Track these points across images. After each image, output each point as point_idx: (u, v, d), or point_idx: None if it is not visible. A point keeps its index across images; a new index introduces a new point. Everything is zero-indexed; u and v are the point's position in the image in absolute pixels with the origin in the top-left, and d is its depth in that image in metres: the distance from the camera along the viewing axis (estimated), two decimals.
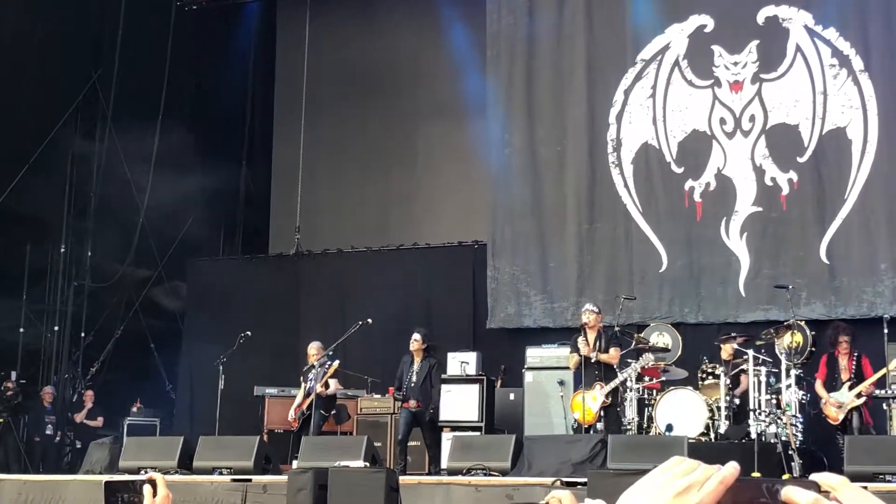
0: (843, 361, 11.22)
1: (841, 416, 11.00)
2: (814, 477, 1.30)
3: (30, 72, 15.67)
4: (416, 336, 12.08)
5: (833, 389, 11.17)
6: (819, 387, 11.29)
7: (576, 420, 11.30)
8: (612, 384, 11.06)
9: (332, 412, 12.53)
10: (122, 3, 15.93)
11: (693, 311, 13.50)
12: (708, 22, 13.84)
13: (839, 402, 11.02)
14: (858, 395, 10.96)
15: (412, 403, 11.85)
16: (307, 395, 12.14)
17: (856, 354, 11.19)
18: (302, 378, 12.47)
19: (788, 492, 1.29)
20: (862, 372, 11.10)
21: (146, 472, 3.48)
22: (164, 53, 16.43)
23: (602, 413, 11.03)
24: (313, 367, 12.20)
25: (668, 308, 13.59)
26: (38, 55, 15.74)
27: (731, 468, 1.32)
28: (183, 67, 16.95)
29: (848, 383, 11.08)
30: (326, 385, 12.16)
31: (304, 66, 16.86)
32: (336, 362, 12.16)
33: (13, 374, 15.81)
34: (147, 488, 3.04)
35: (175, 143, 16.75)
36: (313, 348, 12.56)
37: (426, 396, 11.94)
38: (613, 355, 11.25)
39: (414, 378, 11.90)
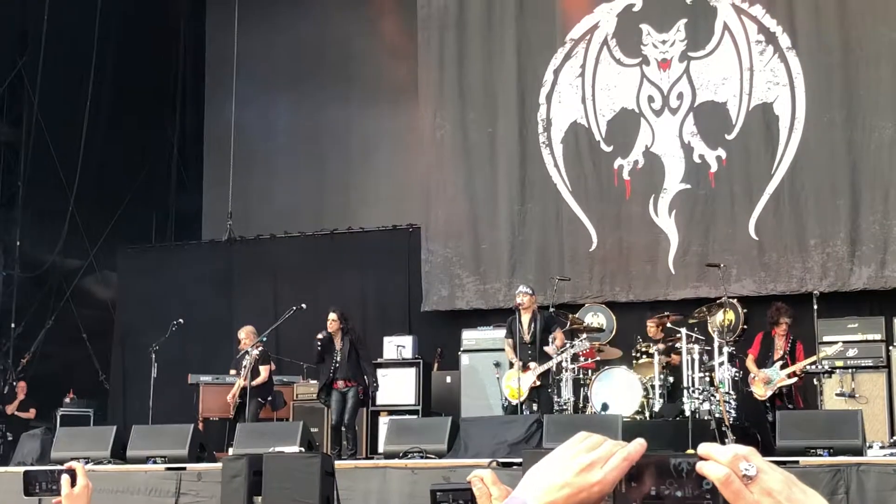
0: (778, 342, 11.31)
1: (769, 393, 11.08)
2: (701, 449, 1.29)
3: None
4: (333, 315, 11.80)
5: (764, 367, 11.27)
6: (750, 362, 11.37)
7: (505, 398, 11.35)
8: (545, 366, 11.10)
9: (269, 399, 12.45)
10: None
11: (624, 290, 13.58)
12: (636, 1, 13.90)
13: (768, 378, 11.11)
14: (790, 376, 11.05)
15: (340, 384, 11.65)
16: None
17: (791, 338, 11.28)
18: (235, 366, 12.37)
19: (702, 467, 1.28)
20: (795, 355, 11.20)
21: (85, 463, 3.43)
22: (91, 39, 16.16)
23: (535, 395, 11.07)
24: (246, 353, 12.10)
25: (598, 287, 13.66)
26: None
27: (637, 445, 1.32)
28: (110, 51, 16.69)
29: (780, 362, 11.17)
30: (257, 373, 12.06)
31: (235, 48, 16.67)
32: (256, 351, 12.00)
33: None
34: (65, 478, 3.00)
35: (104, 129, 16.53)
36: (244, 332, 12.46)
37: (355, 373, 11.69)
38: (559, 344, 11.28)
39: (338, 357, 11.70)
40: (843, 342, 11.37)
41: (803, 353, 11.19)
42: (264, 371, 12.20)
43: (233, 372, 12.48)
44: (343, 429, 11.59)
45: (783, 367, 11.11)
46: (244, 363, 12.08)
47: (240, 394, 12.05)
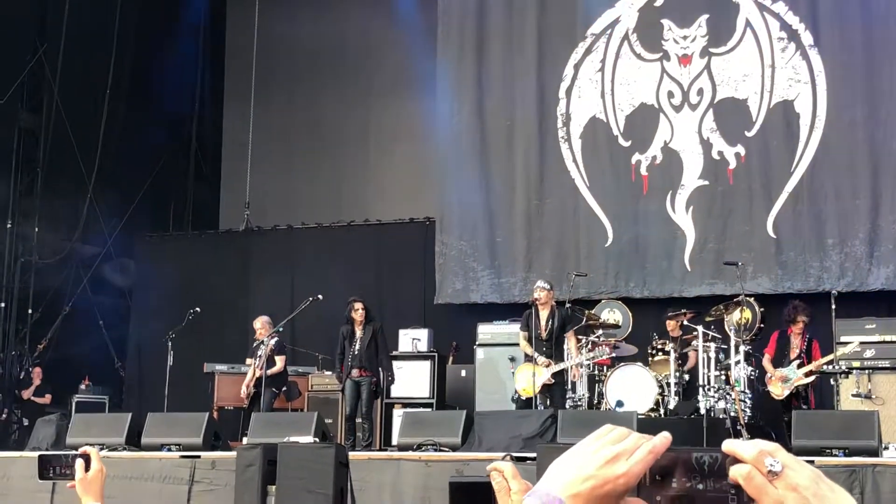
0: (794, 340, 11.23)
1: (786, 393, 11.02)
2: (726, 445, 1.28)
3: None
4: (359, 304, 11.80)
5: (780, 366, 11.23)
6: (766, 362, 11.32)
7: (516, 391, 11.32)
8: (560, 366, 11.06)
9: (283, 389, 12.47)
10: None
11: (639, 286, 13.55)
12: None
13: (785, 377, 11.06)
14: (807, 374, 10.98)
15: (355, 373, 11.61)
16: (256, 371, 12.07)
17: (808, 336, 11.22)
18: (251, 355, 12.39)
19: (733, 455, 1.27)
20: (811, 354, 11.14)
21: (99, 449, 3.44)
22: (112, 27, 16.19)
23: (547, 391, 11.04)
24: (262, 342, 12.12)
25: (613, 282, 13.63)
26: None
27: (662, 438, 1.31)
28: (131, 42, 16.73)
29: (796, 361, 11.11)
30: (272, 363, 12.08)
31: (255, 41, 16.70)
32: (272, 341, 12.02)
33: None
34: (80, 462, 3.01)
35: (123, 118, 16.58)
36: (259, 322, 12.48)
37: (372, 363, 11.67)
38: (572, 346, 11.24)
39: (358, 345, 11.65)
40: (861, 342, 11.29)
41: (820, 352, 11.13)
42: (280, 361, 12.22)
43: (249, 361, 12.51)
44: (359, 420, 11.59)
45: (800, 366, 11.05)
46: (259, 353, 12.10)
47: (255, 383, 12.06)
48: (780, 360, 11.28)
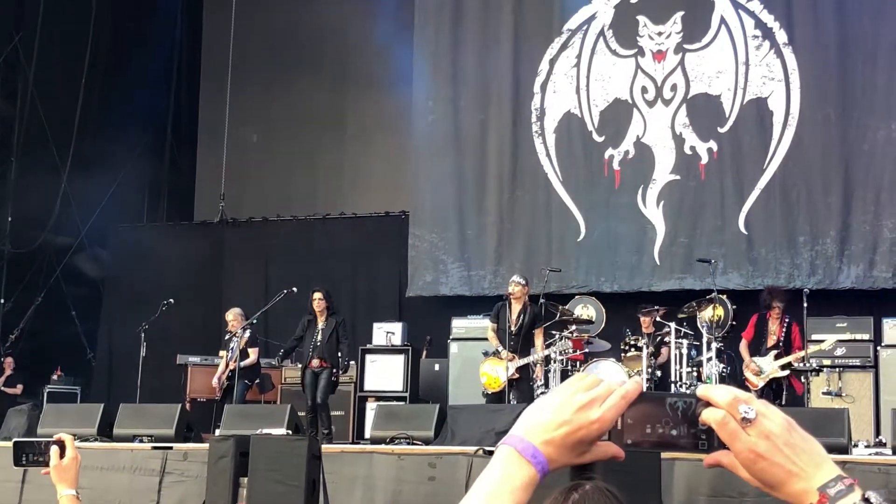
0: (772, 326, 11.16)
1: (760, 384, 10.97)
2: (700, 390, 1.31)
3: None
4: (318, 294, 11.77)
5: (757, 353, 11.16)
6: (743, 347, 11.24)
7: (483, 386, 11.36)
8: (523, 360, 11.10)
9: (256, 381, 12.46)
10: None
11: (609, 280, 13.59)
12: None
13: (759, 369, 11.04)
14: (782, 367, 10.94)
15: (315, 363, 11.58)
16: (228, 363, 12.03)
17: (787, 320, 11.13)
18: (224, 347, 12.37)
19: (707, 400, 1.29)
20: (791, 339, 11.07)
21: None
22: (89, 15, 16.11)
23: (513, 385, 11.07)
24: (234, 335, 12.09)
25: (584, 276, 13.67)
26: None
27: (634, 383, 1.33)
28: (107, 30, 16.64)
29: (774, 351, 11.04)
30: (245, 355, 12.05)
31: (231, 30, 16.63)
32: (246, 333, 11.98)
33: None
34: (54, 449, 3.01)
35: (98, 107, 16.50)
36: (231, 315, 12.45)
37: (332, 355, 11.64)
38: (538, 343, 11.27)
39: (319, 337, 11.63)
40: (837, 340, 11.36)
41: (800, 337, 11.02)
42: (253, 353, 12.20)
43: (221, 353, 12.49)
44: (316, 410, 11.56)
45: (777, 356, 10.98)
46: (232, 345, 12.08)
47: (227, 375, 12.05)
48: (759, 347, 11.18)
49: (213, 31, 17.93)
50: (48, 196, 16.05)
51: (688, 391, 10.75)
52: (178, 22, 18.11)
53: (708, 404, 1.29)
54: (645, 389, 1.33)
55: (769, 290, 11.46)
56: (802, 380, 11.05)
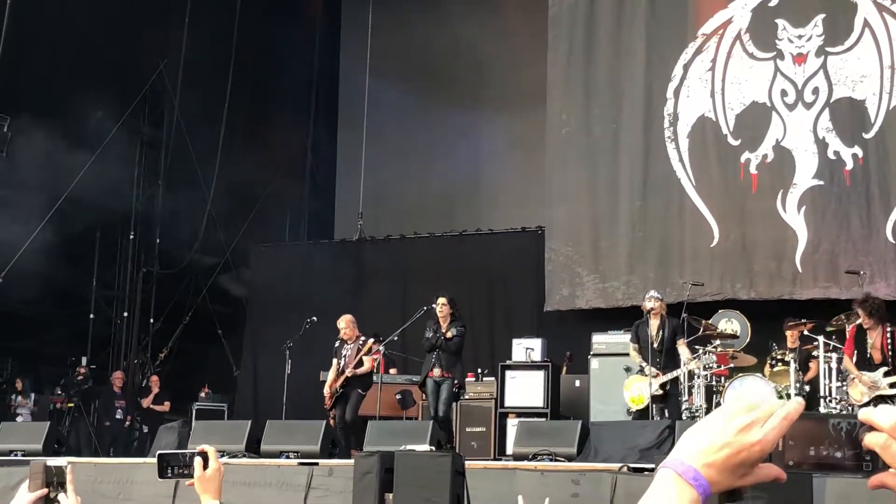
0: (871, 338, 10.02)
1: (865, 400, 9.91)
2: (861, 414, 1.27)
3: (96, 58, 15.60)
4: (443, 300, 11.48)
5: (862, 368, 10.07)
6: (847, 362, 10.27)
7: (629, 402, 11.25)
8: (668, 376, 10.94)
9: (368, 390, 12.10)
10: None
11: (745, 287, 13.29)
12: None
13: (873, 383, 9.95)
14: (892, 385, 9.87)
15: (436, 372, 11.36)
16: (340, 372, 11.70)
17: (889, 330, 10.00)
18: (334, 354, 12.00)
19: (862, 432, 1.26)
20: None
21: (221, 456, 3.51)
22: (230, 42, 16.52)
23: (661, 402, 10.92)
24: (346, 342, 11.81)
25: (719, 284, 13.39)
26: (105, 41, 15.67)
27: (796, 404, 1.31)
28: (248, 55, 17.05)
29: (883, 368, 9.97)
30: (361, 363, 11.72)
31: (368, 52, 16.88)
32: (371, 339, 11.72)
33: (83, 360, 16.05)
34: (198, 460, 3.07)
35: (241, 131, 16.91)
36: (343, 321, 11.98)
37: (454, 364, 11.40)
38: (684, 353, 11.05)
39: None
40: None
41: None
42: (368, 361, 11.81)
43: (334, 362, 12.09)
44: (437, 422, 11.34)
45: (887, 373, 9.94)
46: (344, 352, 11.80)
47: (339, 384, 11.77)
48: (863, 364, 10.08)
49: (350, 52, 18.26)
50: (194, 218, 16.49)
51: (837, 406, 10.49)
52: (317, 45, 18.47)
53: (871, 428, 1.26)
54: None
55: (854, 301, 10.37)
56: None
